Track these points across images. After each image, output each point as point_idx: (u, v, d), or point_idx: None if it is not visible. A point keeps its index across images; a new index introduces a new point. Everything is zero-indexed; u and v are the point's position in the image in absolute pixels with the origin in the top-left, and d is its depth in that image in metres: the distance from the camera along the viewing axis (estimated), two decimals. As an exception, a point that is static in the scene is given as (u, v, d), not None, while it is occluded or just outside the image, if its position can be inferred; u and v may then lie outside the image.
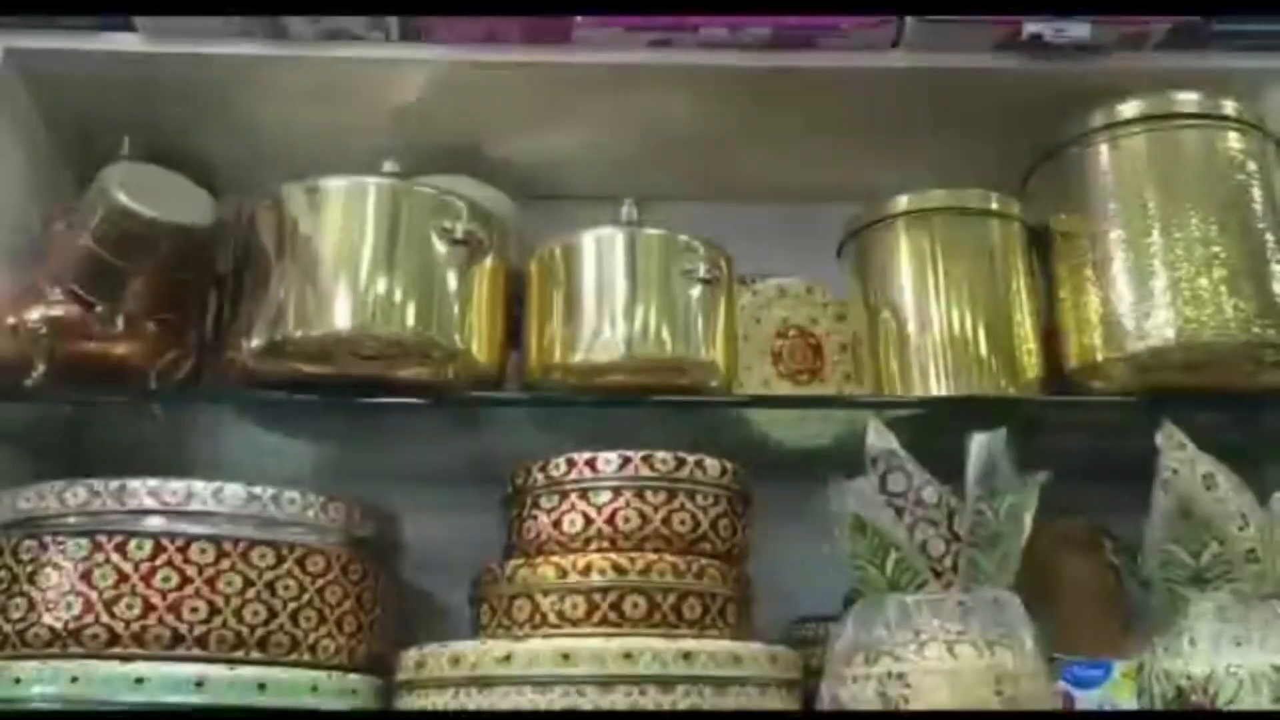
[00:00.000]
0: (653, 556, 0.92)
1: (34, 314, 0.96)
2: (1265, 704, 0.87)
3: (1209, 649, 0.90)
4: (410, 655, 0.92)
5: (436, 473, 1.23)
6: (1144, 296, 0.99)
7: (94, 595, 0.86)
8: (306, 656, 0.91)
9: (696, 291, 1.01)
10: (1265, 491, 0.95)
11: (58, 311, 0.96)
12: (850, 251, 1.14)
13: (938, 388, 1.05)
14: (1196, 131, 1.03)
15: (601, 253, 1.01)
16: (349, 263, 0.95)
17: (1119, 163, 1.04)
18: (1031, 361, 1.06)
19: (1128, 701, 0.90)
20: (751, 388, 1.11)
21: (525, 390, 1.03)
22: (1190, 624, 0.93)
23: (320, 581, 0.92)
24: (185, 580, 0.87)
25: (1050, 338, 1.07)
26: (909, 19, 1.11)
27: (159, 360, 0.99)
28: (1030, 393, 1.05)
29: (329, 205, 0.97)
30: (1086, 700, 0.90)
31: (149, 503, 0.89)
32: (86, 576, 0.86)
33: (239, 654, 0.87)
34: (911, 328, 1.07)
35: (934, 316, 1.06)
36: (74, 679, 0.82)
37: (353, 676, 0.92)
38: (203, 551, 0.88)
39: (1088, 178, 1.05)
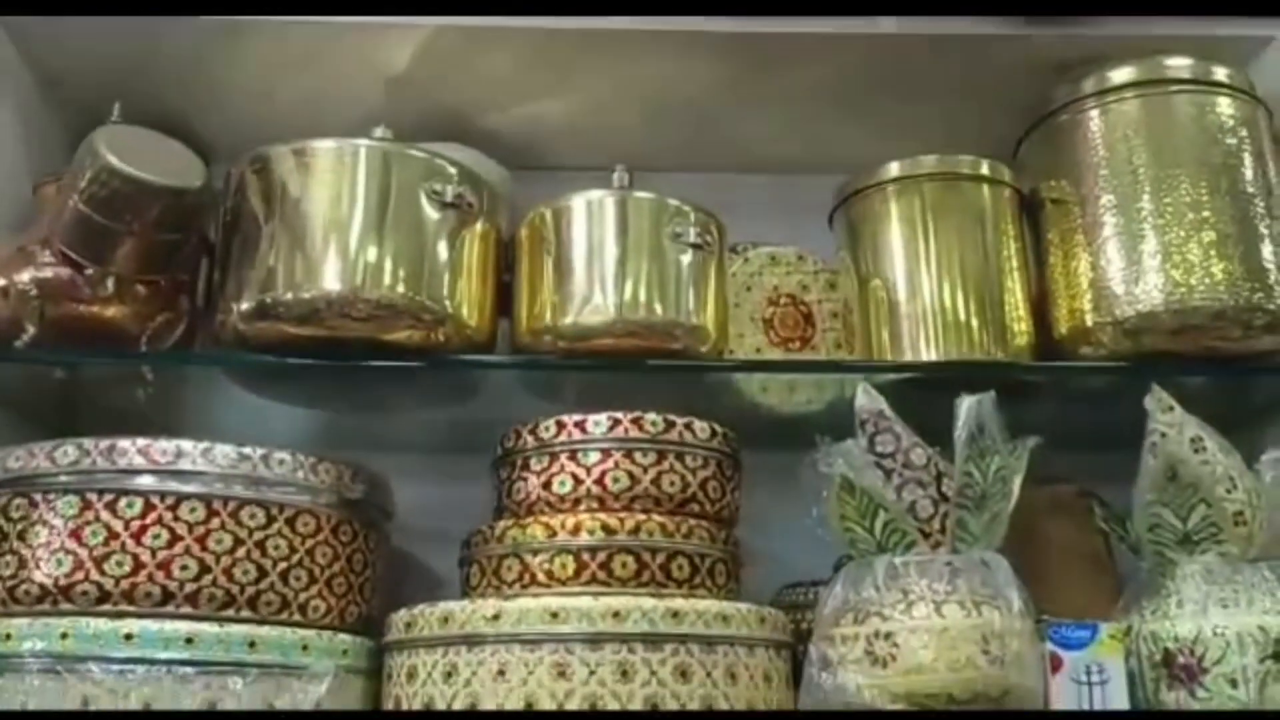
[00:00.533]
0: (642, 516, 0.92)
1: (24, 276, 0.95)
2: (1251, 664, 0.87)
3: (1196, 610, 0.91)
4: (400, 615, 0.92)
5: (427, 442, 1.23)
6: (1133, 261, 1.00)
7: (84, 553, 0.86)
8: (297, 616, 0.91)
9: (687, 257, 1.01)
10: (1253, 455, 0.95)
11: (48, 274, 0.95)
12: (841, 219, 1.14)
13: (928, 354, 1.05)
14: (1187, 97, 1.04)
15: (592, 216, 1.01)
16: (339, 225, 0.95)
17: (1110, 128, 1.04)
18: (1021, 328, 1.06)
19: (1114, 661, 0.90)
20: (743, 355, 1.11)
21: (516, 354, 1.03)
22: (1177, 586, 0.93)
23: (310, 542, 0.93)
24: (175, 538, 0.87)
25: (1040, 304, 1.07)
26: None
27: (150, 323, 0.99)
28: (1020, 359, 1.05)
29: (318, 167, 0.97)
30: (1073, 660, 0.90)
31: (139, 461, 0.89)
32: (77, 534, 0.87)
33: (229, 612, 0.88)
34: (902, 294, 1.07)
35: (924, 283, 1.06)
36: (64, 635, 0.83)
37: (343, 636, 0.92)
38: (193, 510, 0.88)
39: (1079, 143, 1.05)
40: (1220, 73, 1.04)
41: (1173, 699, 0.89)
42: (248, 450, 0.91)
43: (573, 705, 0.82)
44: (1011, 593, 0.89)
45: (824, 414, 1.11)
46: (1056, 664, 0.90)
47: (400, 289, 0.95)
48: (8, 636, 0.83)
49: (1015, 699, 0.87)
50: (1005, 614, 0.88)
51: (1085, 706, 0.89)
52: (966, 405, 0.91)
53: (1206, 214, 0.99)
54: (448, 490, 1.12)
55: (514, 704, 0.83)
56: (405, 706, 0.88)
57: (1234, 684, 0.87)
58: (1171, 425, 0.94)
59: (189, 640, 0.84)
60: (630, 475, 0.94)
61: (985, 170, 1.09)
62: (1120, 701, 0.90)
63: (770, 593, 1.10)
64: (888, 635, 0.88)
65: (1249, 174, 1.01)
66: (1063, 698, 0.89)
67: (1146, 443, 0.94)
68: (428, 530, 1.14)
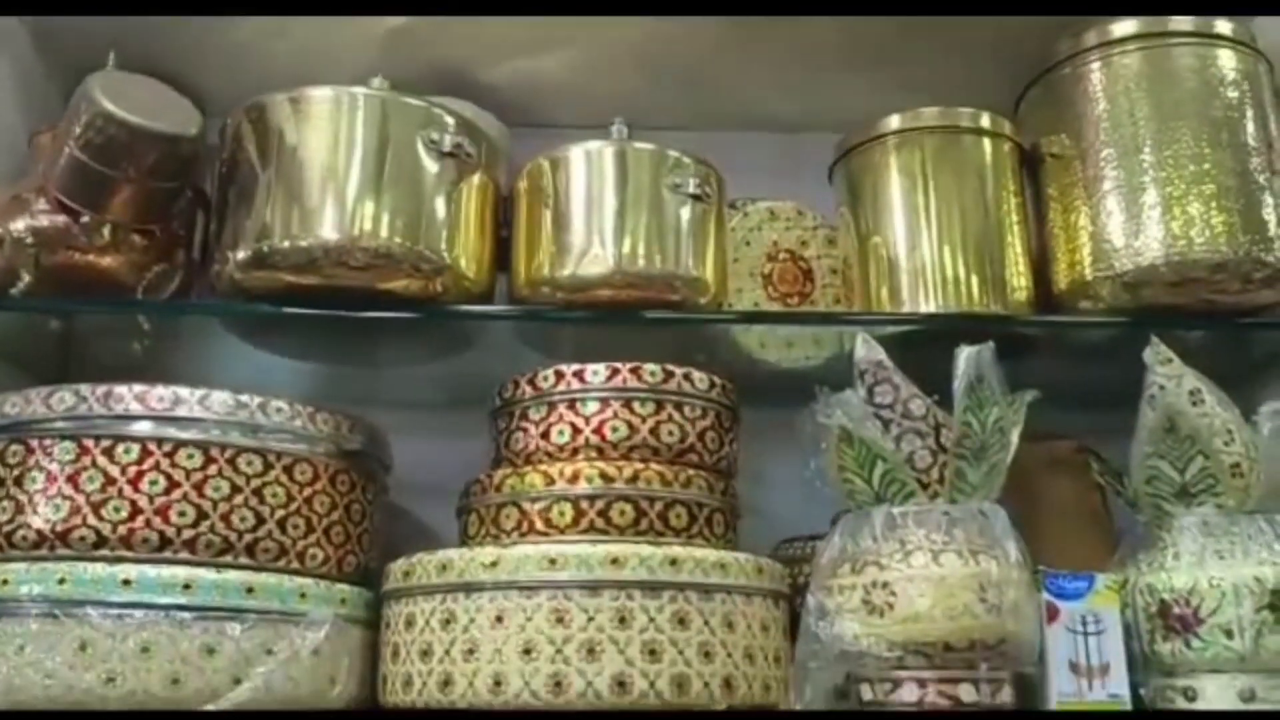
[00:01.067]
0: (640, 465, 0.92)
1: (19, 224, 0.95)
2: (1247, 614, 0.87)
3: (1192, 562, 0.91)
4: (398, 564, 0.92)
5: (424, 398, 1.23)
6: (1133, 214, 0.99)
7: (81, 498, 0.86)
8: (295, 564, 0.91)
9: (687, 208, 1.01)
10: (1251, 408, 0.95)
11: (43, 221, 0.95)
12: (841, 173, 1.14)
13: (927, 309, 1.05)
14: (1189, 50, 1.03)
15: (591, 166, 1.00)
16: (336, 173, 0.94)
17: (1111, 81, 1.03)
18: (1021, 283, 1.06)
19: (1110, 611, 0.90)
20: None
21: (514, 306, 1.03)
22: (1174, 538, 0.93)
23: (309, 490, 0.93)
24: (173, 484, 0.87)
25: (1040, 258, 1.07)
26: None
27: (146, 273, 0.99)
28: (1019, 314, 1.04)
29: (315, 115, 0.96)
30: (1069, 610, 0.90)
31: (135, 408, 0.89)
32: (74, 480, 0.86)
33: (227, 559, 0.88)
34: (901, 249, 1.06)
35: (924, 237, 1.06)
36: (61, 579, 0.83)
37: (341, 585, 0.92)
38: (190, 457, 0.88)
39: (1080, 97, 1.05)
40: (1222, 26, 1.04)
41: (1168, 649, 0.89)
42: (245, 398, 0.91)
43: (571, 650, 0.83)
44: (1009, 543, 0.89)
45: (822, 370, 1.11)
46: (1053, 614, 0.91)
47: (398, 238, 0.94)
48: (5, 581, 0.83)
49: (1012, 647, 0.87)
50: (1002, 563, 0.88)
51: (1080, 655, 0.90)
52: (965, 355, 0.91)
53: (1207, 167, 0.99)
54: (445, 446, 1.12)
55: (512, 649, 0.83)
56: (403, 654, 0.88)
57: (1229, 634, 0.87)
58: (1170, 377, 0.93)
59: (186, 585, 0.84)
60: (629, 425, 0.94)
61: (986, 123, 1.09)
62: (1115, 651, 0.90)
63: (768, 547, 1.10)
64: (885, 584, 0.88)
65: (1250, 127, 1.01)
66: (1058, 647, 0.90)
67: (1145, 395, 0.94)
68: (425, 486, 1.13)
